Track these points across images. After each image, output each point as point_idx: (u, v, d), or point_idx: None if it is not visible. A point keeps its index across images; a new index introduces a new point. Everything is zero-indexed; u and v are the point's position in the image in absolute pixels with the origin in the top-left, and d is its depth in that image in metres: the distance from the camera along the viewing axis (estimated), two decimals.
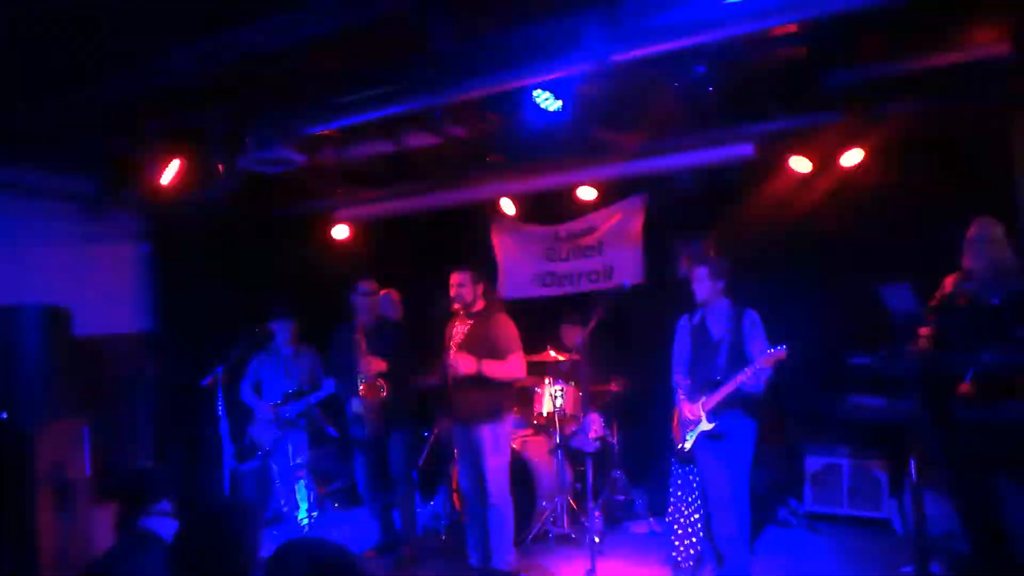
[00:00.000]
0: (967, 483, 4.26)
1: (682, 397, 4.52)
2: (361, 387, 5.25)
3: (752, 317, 4.41)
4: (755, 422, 4.33)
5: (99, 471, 4.61)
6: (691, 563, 4.55)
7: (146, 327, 6.51)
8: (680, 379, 4.59)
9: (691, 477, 4.61)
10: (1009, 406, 3.90)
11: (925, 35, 3.67)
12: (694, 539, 4.59)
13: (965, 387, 4.01)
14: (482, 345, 4.79)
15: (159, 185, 5.33)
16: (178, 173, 5.29)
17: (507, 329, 4.85)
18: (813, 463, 5.66)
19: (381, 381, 5.20)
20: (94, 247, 6.26)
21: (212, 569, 1.99)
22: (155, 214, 6.43)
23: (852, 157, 5.10)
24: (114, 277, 6.41)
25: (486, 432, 4.74)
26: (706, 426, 4.33)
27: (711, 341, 4.45)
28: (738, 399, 4.25)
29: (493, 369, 4.71)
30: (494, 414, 4.77)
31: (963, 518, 4.32)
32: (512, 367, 4.78)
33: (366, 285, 5.50)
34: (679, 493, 4.69)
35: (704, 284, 4.46)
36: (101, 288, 6.22)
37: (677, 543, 4.68)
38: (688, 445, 4.42)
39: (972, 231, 4.20)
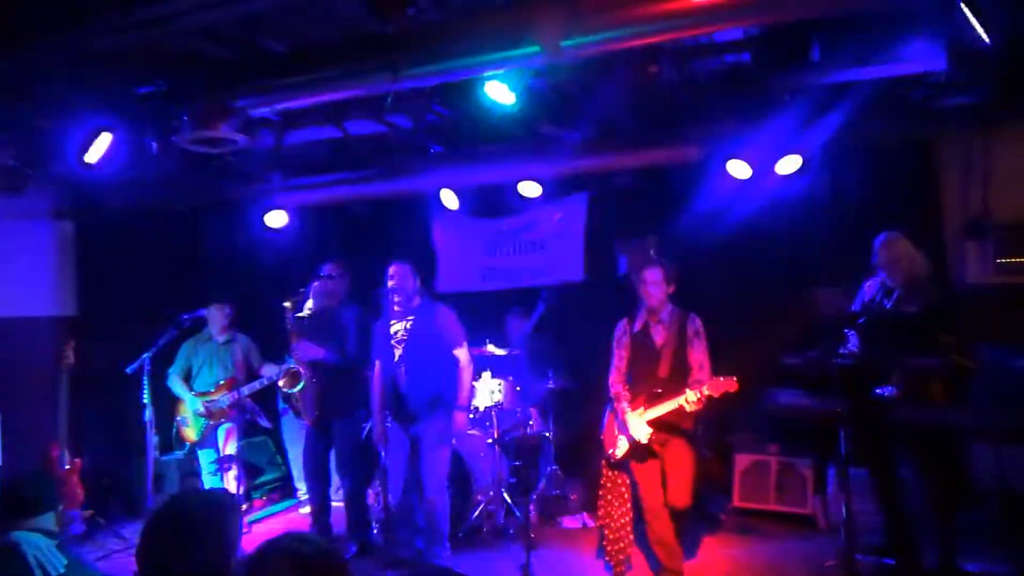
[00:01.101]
0: (887, 480, 4.44)
1: (621, 407, 4.39)
2: (283, 375, 5.13)
3: (696, 325, 4.35)
4: (686, 440, 4.32)
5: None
6: (623, 567, 4.52)
7: (67, 310, 6.22)
8: (619, 389, 4.46)
9: (619, 481, 4.57)
10: (929, 408, 4.08)
11: (868, 46, 3.80)
12: (623, 543, 4.54)
13: (889, 388, 4.17)
14: (428, 341, 4.77)
15: (85, 161, 5.07)
16: (107, 149, 5.04)
17: (451, 322, 4.84)
18: (742, 461, 5.80)
19: (301, 369, 5.08)
20: (11, 224, 5.95)
21: (184, 564, 1.87)
22: (80, 192, 6.14)
23: (790, 164, 5.24)
24: (33, 257, 6.11)
25: (430, 428, 4.71)
26: (642, 439, 4.24)
27: (653, 349, 4.35)
28: (675, 422, 4.21)
29: (464, 395, 4.77)
30: (441, 410, 4.74)
31: (883, 513, 4.50)
32: (464, 375, 4.81)
33: (328, 267, 5.34)
34: (608, 497, 4.60)
35: (659, 288, 4.34)
36: (18, 268, 5.92)
37: (609, 547, 4.59)
38: (619, 453, 4.39)
39: (883, 254, 4.32)
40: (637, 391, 4.36)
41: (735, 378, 4.02)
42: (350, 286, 5.50)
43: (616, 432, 4.42)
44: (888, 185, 5.39)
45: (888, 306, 4.35)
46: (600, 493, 4.66)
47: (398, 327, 4.83)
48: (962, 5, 3.27)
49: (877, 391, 4.13)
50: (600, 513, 4.68)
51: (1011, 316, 4.86)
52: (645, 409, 4.25)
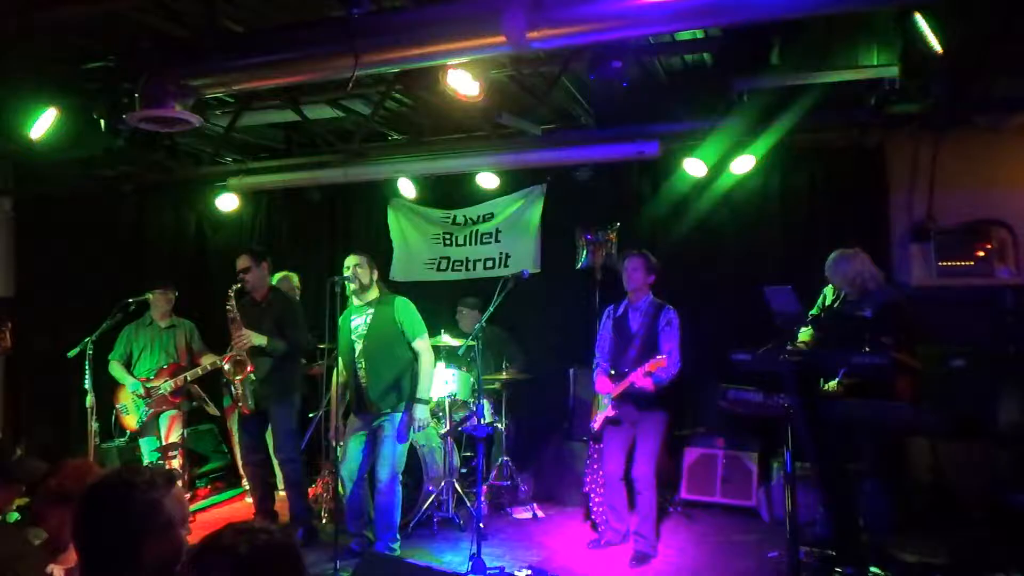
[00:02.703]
0: (831, 473, 4.57)
1: (599, 378, 4.84)
2: (225, 361, 5.05)
3: (669, 316, 4.70)
4: (655, 413, 4.66)
5: None
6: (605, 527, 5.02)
7: (4, 291, 5.97)
8: (603, 365, 4.87)
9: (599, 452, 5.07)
10: (868, 404, 4.21)
11: (823, 52, 3.89)
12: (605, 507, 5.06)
13: (834, 385, 4.29)
14: (388, 334, 4.73)
15: (28, 136, 4.87)
16: (51, 125, 4.84)
17: (411, 313, 4.83)
18: (690, 454, 5.90)
19: (244, 356, 5.01)
20: None
21: (113, 537, 1.79)
22: (21, 168, 5.89)
23: (745, 163, 5.33)
24: None
25: (389, 421, 4.69)
26: (609, 412, 4.72)
27: (628, 333, 4.76)
28: (631, 394, 4.59)
29: (425, 387, 4.76)
30: (400, 402, 4.72)
31: (826, 506, 4.64)
32: (425, 367, 4.80)
33: (242, 260, 5.26)
34: (595, 467, 5.15)
35: (637, 275, 4.72)
36: None
37: (595, 508, 5.18)
38: (596, 426, 4.86)
39: (835, 276, 4.44)
40: (614, 370, 4.76)
41: (663, 356, 4.44)
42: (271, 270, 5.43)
43: (596, 407, 4.90)
44: (838, 187, 5.53)
45: (846, 307, 4.47)
46: (587, 463, 5.33)
47: (358, 320, 4.78)
48: (916, 16, 3.36)
49: (828, 384, 4.27)
50: (587, 480, 5.31)
51: (951, 317, 5.04)
52: (613, 387, 4.67)
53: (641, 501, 4.73)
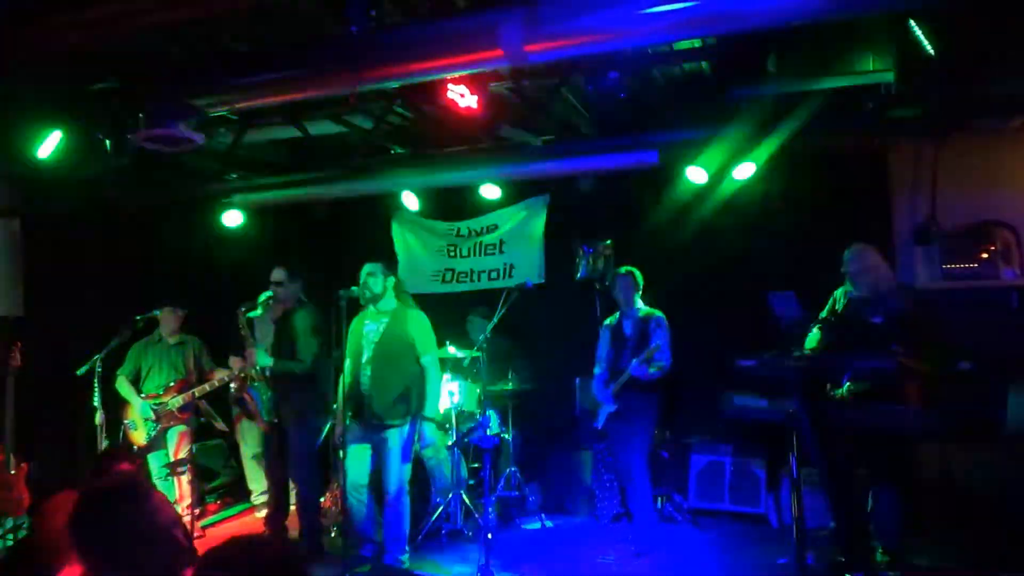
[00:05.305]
0: (838, 478, 4.56)
1: (597, 387, 5.31)
2: (235, 381, 5.08)
3: (658, 319, 5.17)
4: (650, 395, 5.07)
5: None
6: (609, 519, 5.69)
7: (13, 310, 6.02)
8: (599, 371, 5.34)
9: (606, 449, 5.63)
10: (876, 409, 4.20)
11: (819, 59, 3.91)
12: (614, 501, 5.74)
13: (843, 392, 4.29)
14: (399, 344, 4.77)
15: (35, 157, 4.93)
16: (58, 145, 4.90)
17: (425, 328, 4.88)
18: (698, 461, 5.89)
19: (242, 378, 5.05)
20: None
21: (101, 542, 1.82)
22: (28, 189, 5.95)
23: (746, 170, 5.34)
24: None
25: (392, 432, 4.70)
26: (610, 407, 5.15)
27: (624, 338, 5.23)
28: (634, 382, 5.03)
29: (430, 405, 4.84)
30: (405, 415, 4.72)
31: (834, 511, 4.62)
32: (431, 384, 4.85)
33: (276, 272, 5.28)
34: (599, 466, 5.79)
35: (627, 292, 5.24)
36: None
37: (598, 504, 5.77)
38: (601, 425, 5.25)
39: (853, 264, 4.44)
40: (612, 371, 5.21)
41: (657, 345, 4.96)
42: (304, 288, 5.44)
43: (599, 405, 5.30)
44: (840, 192, 5.53)
45: (855, 310, 4.47)
46: (595, 458, 5.86)
47: (372, 326, 4.82)
48: (910, 21, 3.38)
49: (835, 390, 4.26)
50: (594, 475, 5.89)
51: (957, 320, 5.02)
52: (613, 384, 5.13)
53: (632, 489, 5.08)
